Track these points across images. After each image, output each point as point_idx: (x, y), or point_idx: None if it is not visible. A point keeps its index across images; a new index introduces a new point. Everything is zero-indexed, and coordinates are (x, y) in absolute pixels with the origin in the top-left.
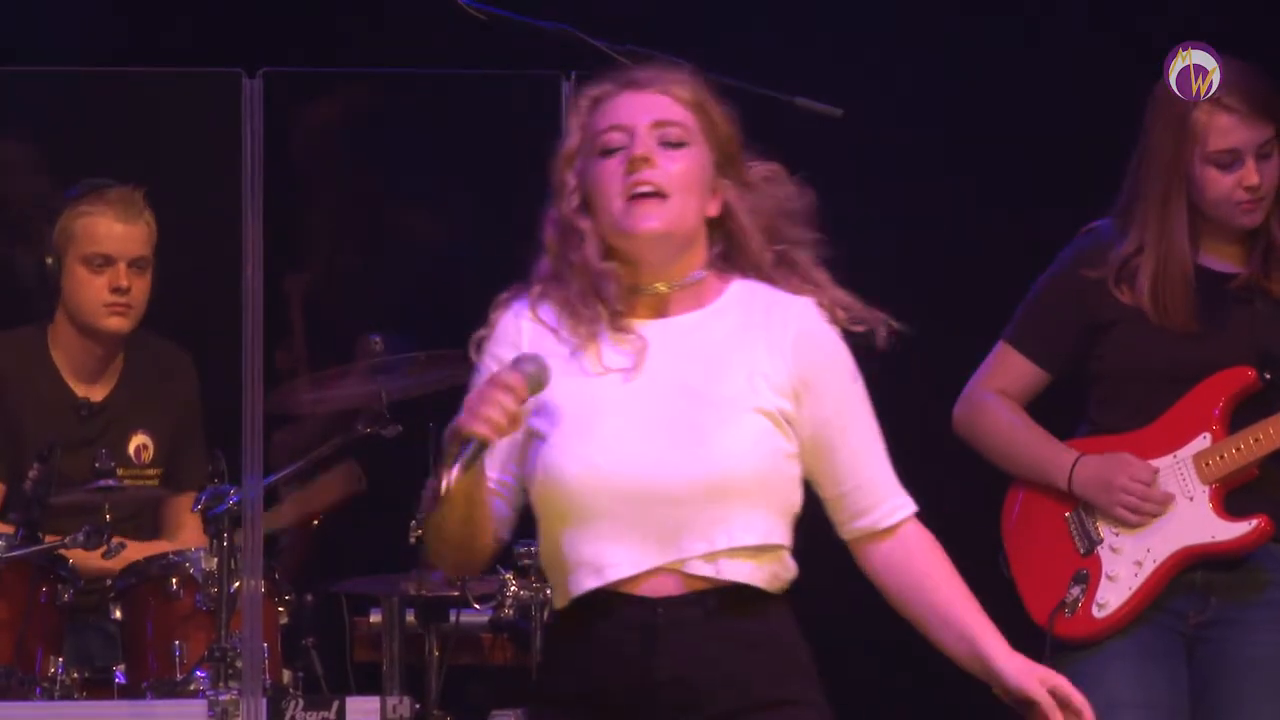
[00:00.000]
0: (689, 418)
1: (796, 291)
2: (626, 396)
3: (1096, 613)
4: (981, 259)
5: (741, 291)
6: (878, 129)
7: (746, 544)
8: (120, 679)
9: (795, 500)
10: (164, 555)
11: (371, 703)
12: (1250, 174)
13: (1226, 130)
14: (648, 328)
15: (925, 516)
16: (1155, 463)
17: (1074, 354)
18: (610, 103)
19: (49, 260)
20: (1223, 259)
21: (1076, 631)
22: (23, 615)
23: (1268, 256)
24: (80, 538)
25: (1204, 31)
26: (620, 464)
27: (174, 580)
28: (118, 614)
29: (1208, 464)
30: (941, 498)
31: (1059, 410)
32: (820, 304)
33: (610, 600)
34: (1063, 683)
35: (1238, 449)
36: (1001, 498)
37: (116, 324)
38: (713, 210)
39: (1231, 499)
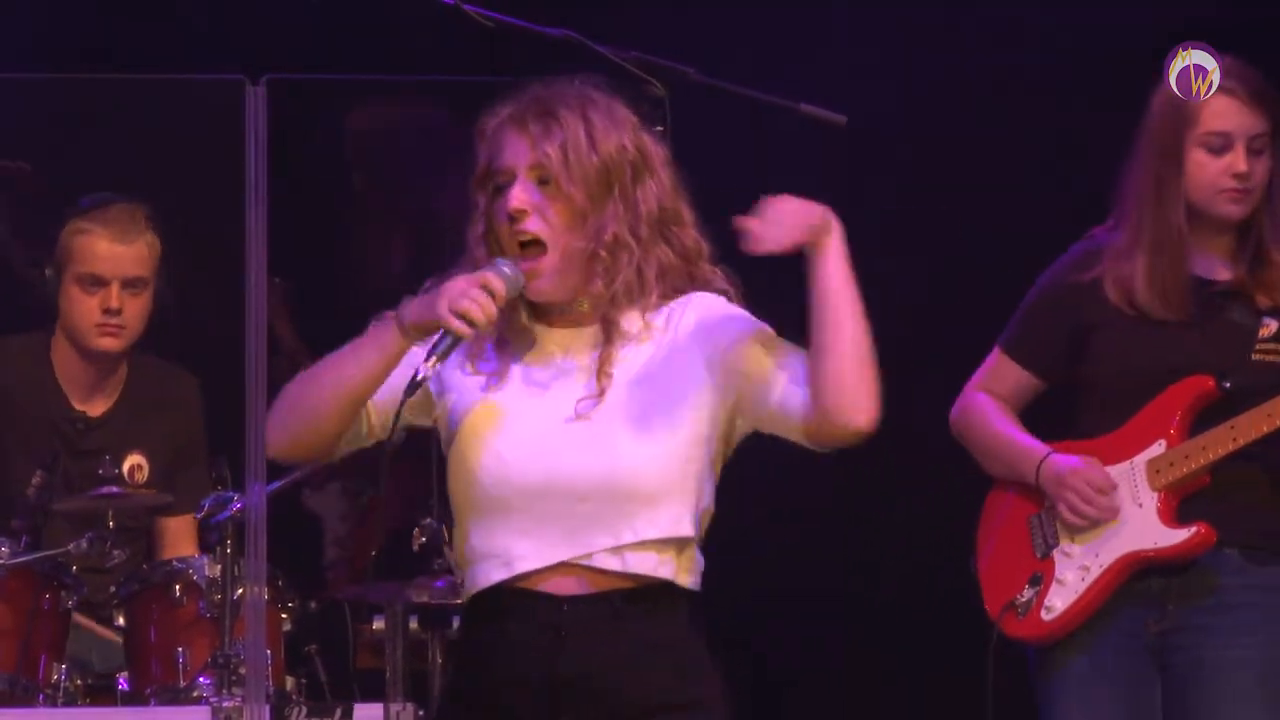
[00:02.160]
0: (600, 421)
1: (692, 282)
2: (540, 398)
3: (1045, 615)
4: (984, 266)
5: (652, 299)
6: (882, 133)
7: (650, 537)
8: (123, 686)
9: (704, 495)
10: (167, 562)
11: (375, 709)
12: (1239, 161)
13: (1222, 112)
14: (565, 336)
15: (930, 518)
16: (1114, 468)
17: (1063, 360)
18: (499, 137)
19: (48, 272)
20: (1210, 264)
21: (1026, 633)
22: (26, 622)
23: (1255, 260)
24: (84, 545)
25: (1208, 30)
26: (527, 460)
27: (177, 587)
28: (121, 621)
29: (1158, 471)
30: (945, 501)
31: (1058, 417)
32: (715, 292)
33: (517, 597)
34: None
35: (1186, 456)
36: None
37: (107, 344)
38: (601, 239)
39: (1184, 506)
